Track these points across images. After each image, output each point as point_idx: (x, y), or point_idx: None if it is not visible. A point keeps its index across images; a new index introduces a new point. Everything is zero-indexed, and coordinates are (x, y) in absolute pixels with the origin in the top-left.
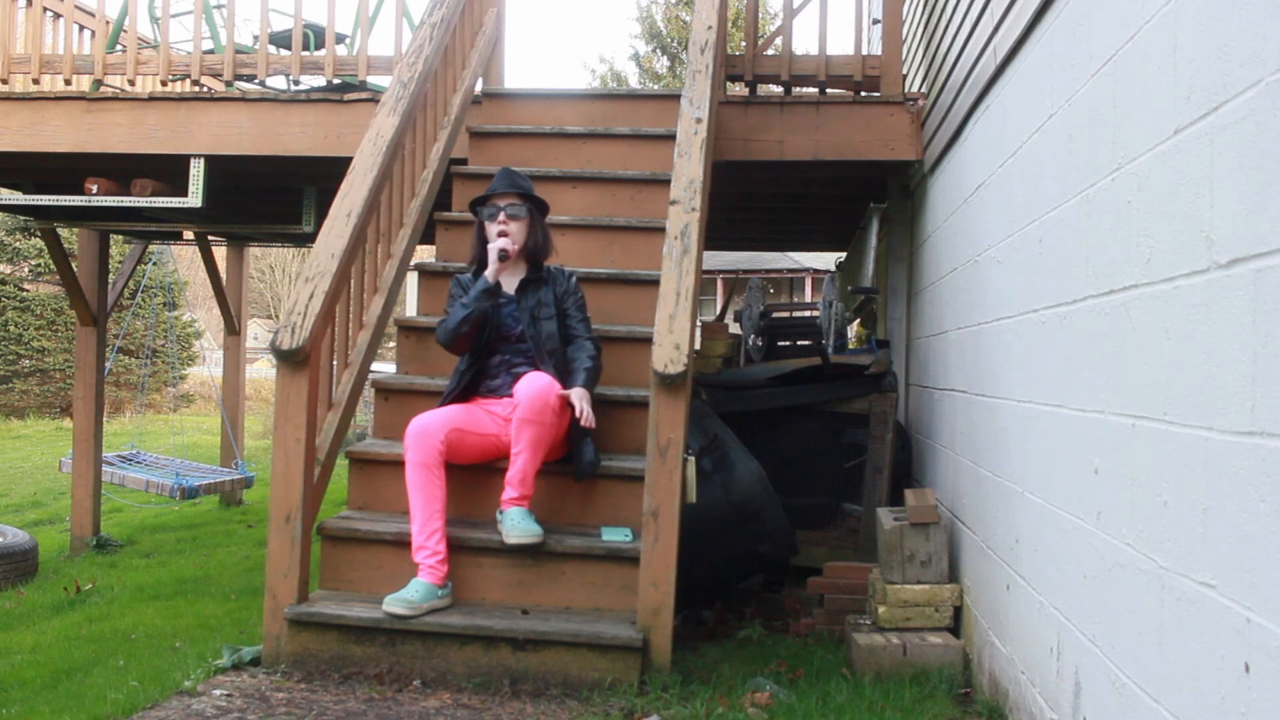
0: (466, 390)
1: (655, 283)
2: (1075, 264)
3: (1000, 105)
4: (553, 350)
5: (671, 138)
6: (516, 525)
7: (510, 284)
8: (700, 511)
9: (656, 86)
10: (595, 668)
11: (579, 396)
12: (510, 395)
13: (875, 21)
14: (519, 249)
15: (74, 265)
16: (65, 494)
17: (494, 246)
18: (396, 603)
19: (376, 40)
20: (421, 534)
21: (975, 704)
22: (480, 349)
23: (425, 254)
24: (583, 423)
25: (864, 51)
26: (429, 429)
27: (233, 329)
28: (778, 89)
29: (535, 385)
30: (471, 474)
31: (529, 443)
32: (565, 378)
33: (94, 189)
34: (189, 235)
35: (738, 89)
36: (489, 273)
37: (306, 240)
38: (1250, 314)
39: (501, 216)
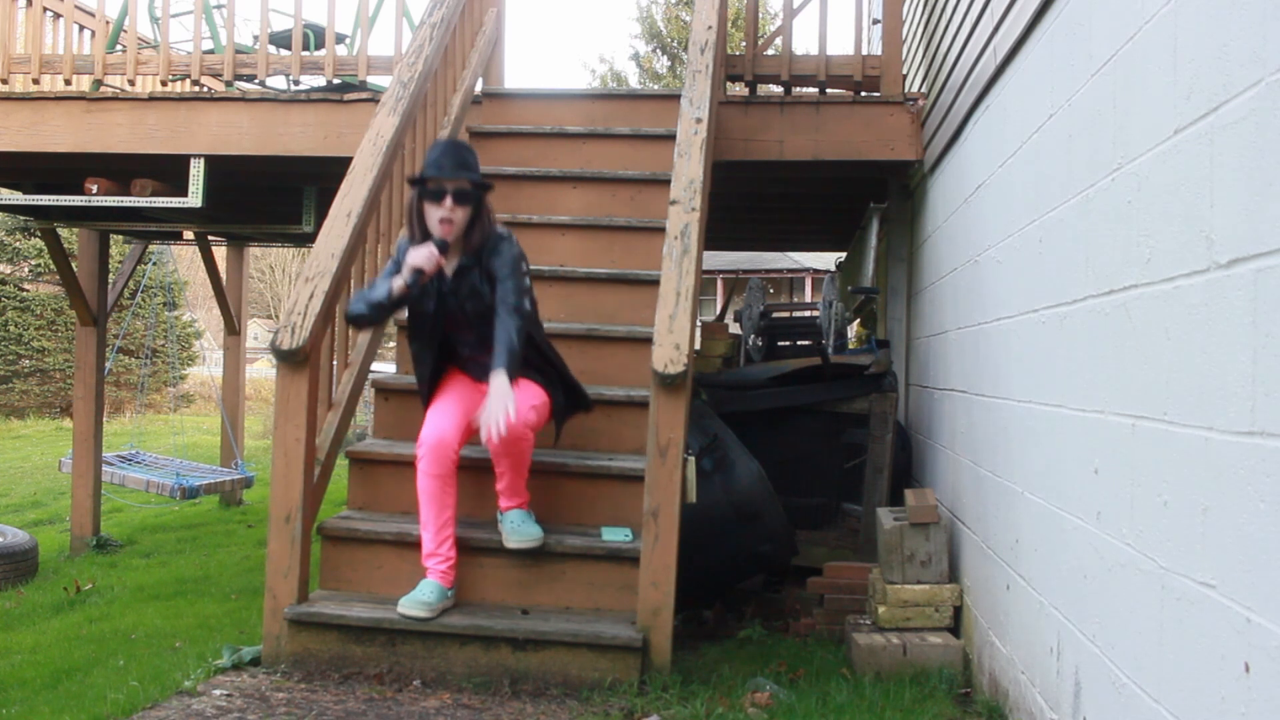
0: (444, 371)
1: (655, 283)
2: (1075, 264)
3: (1000, 105)
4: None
5: (671, 138)
6: (517, 529)
7: (451, 266)
8: (700, 511)
9: (656, 86)
10: (595, 668)
11: (497, 393)
12: (484, 381)
13: (875, 21)
14: (447, 235)
15: (74, 265)
16: (65, 494)
17: (419, 257)
18: (414, 605)
19: (376, 40)
20: (433, 541)
21: (975, 704)
22: (443, 340)
23: None
24: (494, 440)
25: (864, 51)
26: (445, 441)
27: (233, 329)
28: (778, 89)
29: (512, 430)
30: (472, 474)
31: (510, 466)
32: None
33: (94, 189)
34: (189, 235)
35: (738, 89)
36: (395, 285)
37: (306, 240)
38: (1250, 314)
39: (448, 201)
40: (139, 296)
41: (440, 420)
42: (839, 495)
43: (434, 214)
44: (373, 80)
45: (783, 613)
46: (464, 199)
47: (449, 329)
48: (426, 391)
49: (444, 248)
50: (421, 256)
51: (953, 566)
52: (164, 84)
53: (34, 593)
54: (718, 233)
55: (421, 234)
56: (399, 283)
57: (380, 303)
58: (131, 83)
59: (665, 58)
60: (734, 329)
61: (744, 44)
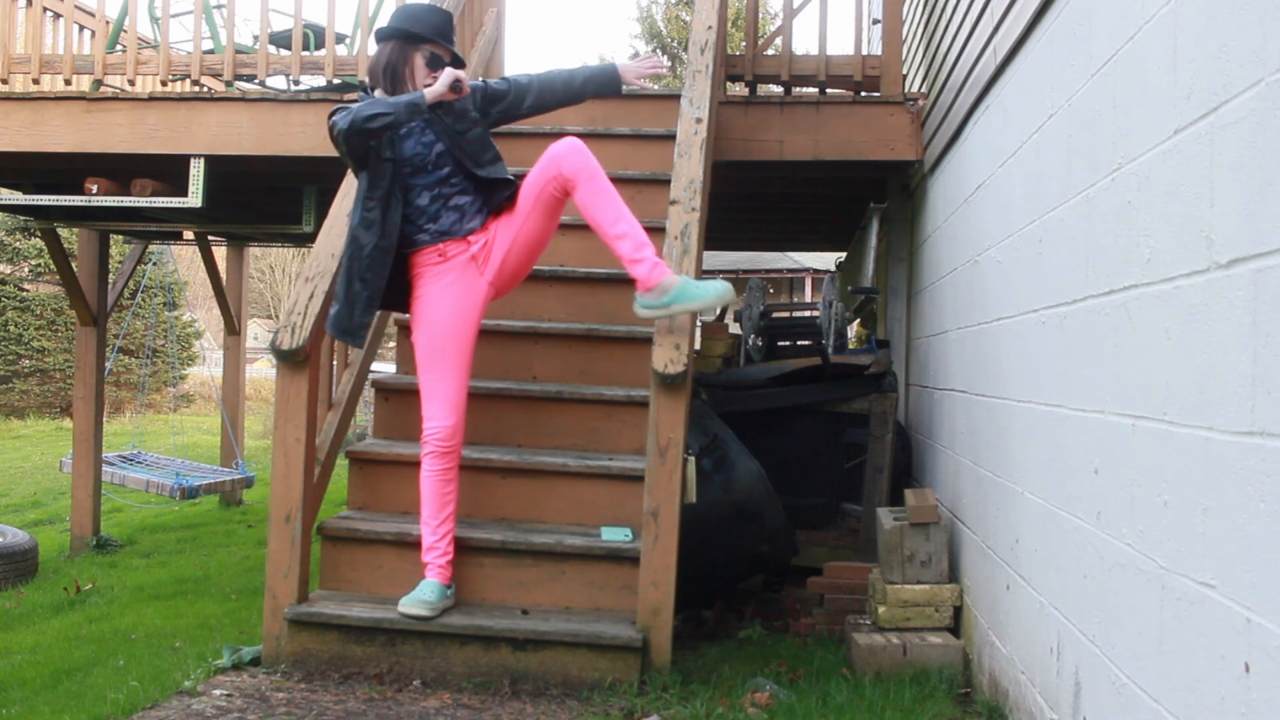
0: (397, 264)
1: None
2: (1075, 264)
3: (1000, 105)
4: (493, 159)
5: (671, 138)
6: (687, 289)
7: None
8: (700, 511)
9: (656, 86)
10: (595, 668)
11: (633, 66)
12: (466, 235)
13: (875, 21)
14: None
15: (74, 265)
16: (65, 494)
17: (453, 72)
18: (416, 604)
19: None
20: (433, 536)
21: (975, 704)
22: (394, 201)
23: None
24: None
25: (864, 51)
26: (452, 430)
27: (233, 329)
28: (778, 89)
29: (566, 142)
30: (471, 474)
31: (610, 197)
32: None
33: (94, 189)
34: (189, 235)
35: (738, 89)
36: (430, 92)
37: (306, 240)
38: (1250, 314)
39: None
40: (139, 296)
41: (443, 402)
42: (839, 495)
43: (424, 77)
44: None
45: (783, 613)
46: (457, 65)
47: (410, 181)
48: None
49: (459, 88)
50: (459, 73)
51: (953, 566)
52: (164, 84)
53: (34, 593)
54: (718, 233)
55: (399, 89)
56: (436, 89)
57: (415, 101)
58: (131, 83)
59: (665, 58)
60: (734, 329)
61: (744, 44)
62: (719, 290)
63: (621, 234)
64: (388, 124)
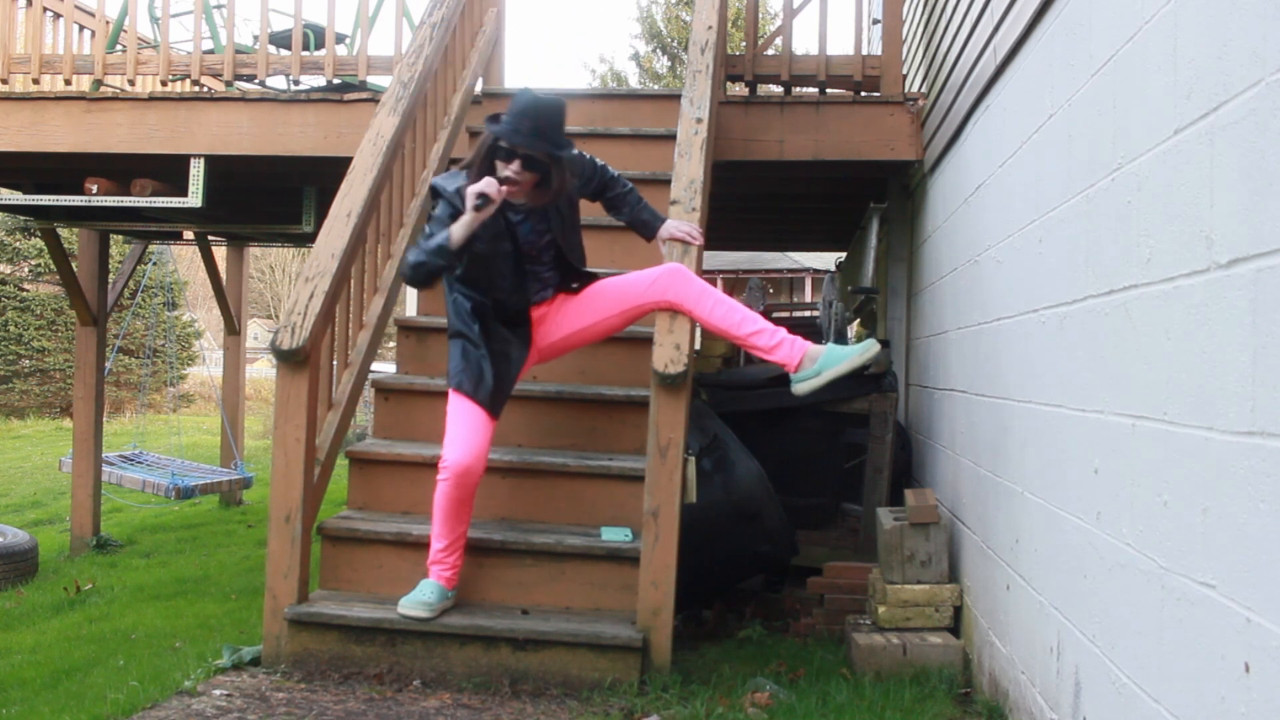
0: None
1: None
2: (1075, 264)
3: (1000, 105)
4: (581, 257)
5: (671, 138)
6: (836, 353)
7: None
8: (700, 511)
9: (656, 86)
10: (595, 668)
11: (675, 229)
12: (545, 299)
13: (875, 21)
14: (513, 195)
15: (74, 265)
16: (65, 494)
17: (476, 188)
18: (414, 605)
19: (376, 40)
20: (443, 551)
21: (975, 704)
22: (498, 277)
23: None
24: (698, 240)
25: (864, 51)
26: (475, 470)
27: (233, 329)
28: (778, 89)
29: (671, 270)
30: None
31: (726, 304)
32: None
33: (94, 189)
34: (189, 235)
35: (738, 89)
36: (455, 230)
37: (306, 240)
38: (1250, 314)
39: (516, 164)
40: (139, 296)
41: (467, 444)
42: (839, 495)
43: (499, 169)
44: (373, 80)
45: (783, 613)
46: (534, 165)
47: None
48: (479, 375)
49: (482, 205)
50: (485, 183)
51: (953, 566)
52: (164, 84)
53: (34, 593)
54: (718, 233)
55: (481, 175)
56: (462, 224)
57: (442, 245)
58: (131, 83)
59: (665, 58)
60: None
61: (744, 44)
62: (864, 346)
63: (753, 331)
64: (424, 272)
